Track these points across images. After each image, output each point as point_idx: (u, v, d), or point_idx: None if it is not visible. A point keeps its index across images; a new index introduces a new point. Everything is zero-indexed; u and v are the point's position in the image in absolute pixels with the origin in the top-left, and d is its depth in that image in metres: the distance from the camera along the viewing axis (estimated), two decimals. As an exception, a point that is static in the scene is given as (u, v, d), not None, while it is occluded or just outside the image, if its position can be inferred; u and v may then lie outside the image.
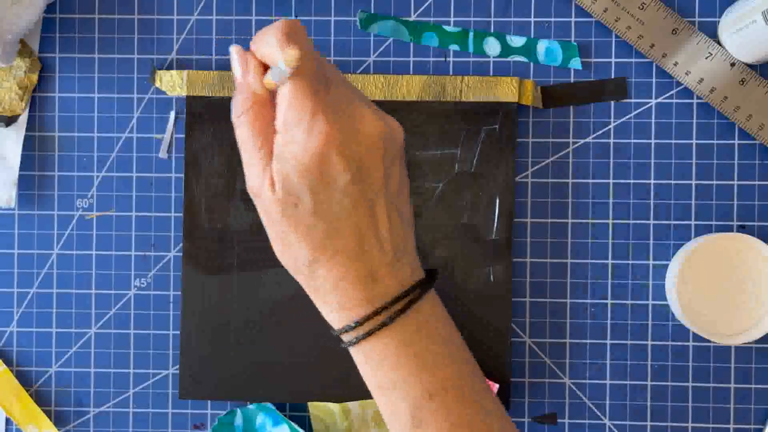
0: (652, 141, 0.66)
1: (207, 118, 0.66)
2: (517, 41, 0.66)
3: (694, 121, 0.66)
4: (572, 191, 0.66)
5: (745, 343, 0.65)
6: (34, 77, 0.66)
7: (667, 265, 0.66)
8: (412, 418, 0.48)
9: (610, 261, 0.66)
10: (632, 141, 0.66)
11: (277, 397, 0.66)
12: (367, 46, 0.67)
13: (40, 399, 0.68)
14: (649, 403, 0.66)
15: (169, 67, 0.67)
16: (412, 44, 0.67)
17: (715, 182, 0.66)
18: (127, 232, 0.68)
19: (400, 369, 0.48)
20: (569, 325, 0.67)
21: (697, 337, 0.66)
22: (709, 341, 0.66)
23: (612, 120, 0.66)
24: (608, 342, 0.67)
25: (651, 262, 0.66)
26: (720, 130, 0.66)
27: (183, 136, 0.67)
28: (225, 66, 0.67)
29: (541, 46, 0.66)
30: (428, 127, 0.66)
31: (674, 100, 0.66)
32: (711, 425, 0.66)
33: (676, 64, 0.65)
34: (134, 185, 0.68)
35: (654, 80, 0.66)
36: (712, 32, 0.66)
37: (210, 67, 0.67)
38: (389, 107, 0.66)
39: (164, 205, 0.67)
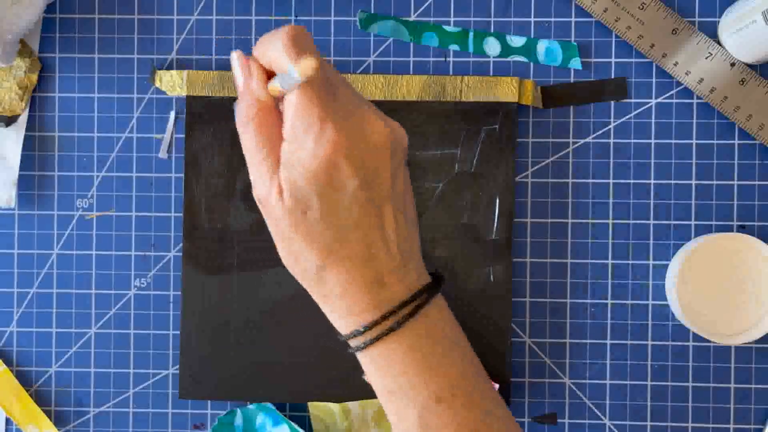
0: (652, 141, 0.66)
1: (207, 118, 0.66)
2: (517, 41, 0.66)
3: (694, 121, 0.66)
4: (572, 191, 0.66)
5: (745, 343, 0.65)
6: (34, 77, 0.66)
7: (667, 265, 0.66)
8: (419, 422, 0.48)
9: (610, 261, 0.66)
10: (632, 141, 0.66)
11: (277, 397, 0.66)
12: (367, 46, 0.67)
13: (40, 399, 0.68)
14: (649, 403, 0.66)
15: (169, 67, 0.67)
16: (412, 44, 0.67)
17: (715, 182, 0.66)
18: (127, 232, 0.68)
19: (408, 373, 0.48)
20: (569, 325, 0.67)
21: (697, 337, 0.66)
22: (709, 341, 0.66)
23: (612, 120, 0.66)
24: (608, 342, 0.67)
25: (651, 262, 0.66)
26: (720, 130, 0.66)
27: (183, 136, 0.67)
28: (225, 66, 0.67)
29: (541, 46, 0.66)
30: (428, 127, 0.66)
31: (674, 100, 0.66)
32: (711, 425, 0.66)
33: (676, 64, 0.65)
34: (134, 185, 0.67)
35: (654, 80, 0.66)
36: (712, 32, 0.66)
37: (210, 67, 0.67)
38: (389, 107, 0.66)
39: (164, 205, 0.67)
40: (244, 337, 0.66)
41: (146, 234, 0.67)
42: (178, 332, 0.67)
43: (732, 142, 0.66)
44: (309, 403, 0.66)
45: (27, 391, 0.68)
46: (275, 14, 0.67)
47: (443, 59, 0.67)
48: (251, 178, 0.47)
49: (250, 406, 0.66)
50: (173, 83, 0.66)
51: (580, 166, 0.66)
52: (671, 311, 0.66)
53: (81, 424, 0.68)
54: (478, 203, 0.66)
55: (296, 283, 0.66)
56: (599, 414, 0.67)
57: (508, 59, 0.66)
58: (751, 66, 0.65)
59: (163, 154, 0.67)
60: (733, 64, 0.65)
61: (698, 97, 0.66)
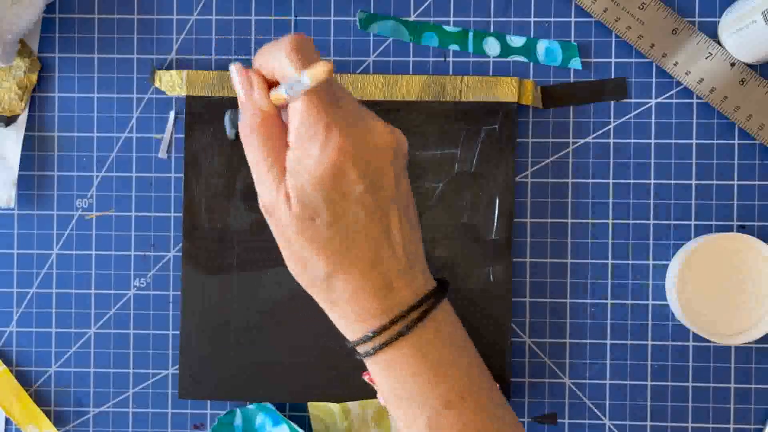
0: (652, 141, 0.66)
1: (207, 118, 0.66)
2: (516, 41, 0.66)
3: (694, 121, 0.66)
4: (572, 191, 0.66)
5: (745, 343, 0.65)
6: (34, 77, 0.66)
7: (667, 265, 0.66)
8: (429, 426, 0.48)
9: (610, 261, 0.66)
10: (632, 141, 0.66)
11: (277, 397, 0.66)
12: (366, 46, 0.67)
13: (40, 399, 0.68)
14: (649, 403, 0.66)
15: (169, 67, 0.67)
16: (411, 44, 0.67)
17: (715, 182, 0.66)
18: (127, 232, 0.67)
19: (418, 378, 0.48)
20: (569, 325, 0.67)
21: (697, 337, 0.66)
22: (709, 341, 0.66)
23: (612, 120, 0.66)
24: (608, 342, 0.67)
25: (651, 262, 0.66)
26: (720, 130, 0.66)
27: (183, 136, 0.67)
28: (225, 66, 0.67)
29: (541, 46, 0.66)
30: (428, 127, 0.65)
31: (674, 100, 0.66)
32: (711, 425, 0.66)
33: (676, 64, 0.65)
34: (134, 185, 0.67)
35: (654, 80, 0.66)
36: (712, 32, 0.66)
37: (210, 67, 0.67)
38: (389, 107, 0.66)
39: (164, 205, 0.67)
40: (244, 337, 0.66)
41: (146, 234, 0.67)
42: (178, 332, 0.67)
43: (732, 142, 0.66)
44: (309, 403, 0.66)
45: (27, 391, 0.68)
46: (275, 14, 0.67)
47: (443, 59, 0.67)
48: (257, 188, 0.47)
49: (250, 406, 0.66)
50: (173, 83, 0.66)
51: (580, 166, 0.66)
52: (671, 311, 0.66)
53: (81, 424, 0.68)
54: (478, 203, 0.66)
55: (296, 284, 0.66)
56: (599, 414, 0.67)
57: (508, 59, 0.66)
58: (751, 66, 0.65)
59: (162, 154, 0.67)
60: (733, 64, 0.65)
61: (698, 97, 0.66)
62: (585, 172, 0.66)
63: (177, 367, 0.67)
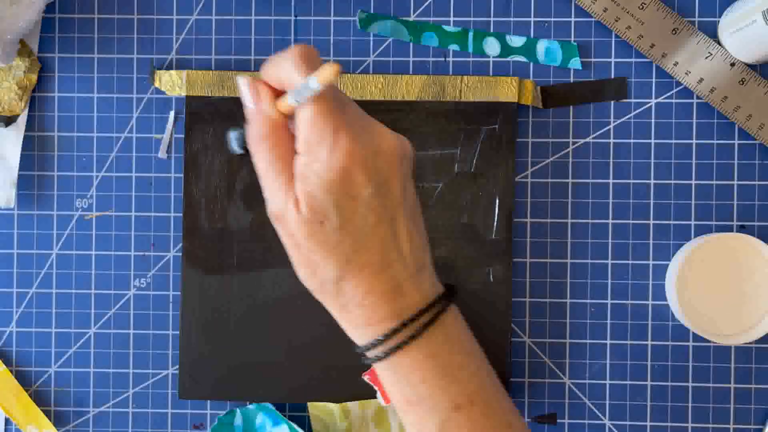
0: (652, 141, 0.66)
1: (206, 118, 0.66)
2: (516, 41, 0.66)
3: (694, 121, 0.66)
4: (572, 191, 0.66)
5: (745, 343, 0.65)
6: (34, 77, 0.66)
7: (667, 265, 0.66)
8: (439, 431, 0.48)
9: (610, 261, 0.66)
10: (632, 141, 0.66)
11: (277, 397, 0.66)
12: (366, 46, 0.67)
13: (40, 399, 0.68)
14: (649, 403, 0.66)
15: (169, 67, 0.67)
16: (411, 44, 0.67)
17: (715, 182, 0.66)
18: (127, 232, 0.67)
19: (428, 382, 0.48)
20: (569, 325, 0.67)
21: (697, 337, 0.66)
22: (709, 341, 0.66)
23: (612, 120, 0.66)
24: (608, 342, 0.66)
25: (651, 262, 0.66)
26: (720, 130, 0.66)
27: (182, 136, 0.67)
28: (224, 66, 0.67)
29: (541, 46, 0.66)
30: (428, 127, 0.65)
31: (674, 100, 0.66)
32: (711, 425, 0.66)
33: (676, 64, 0.65)
34: (133, 185, 0.67)
35: (654, 80, 0.66)
36: (712, 32, 0.66)
37: (209, 67, 0.67)
38: (389, 107, 0.66)
39: (163, 205, 0.67)
40: (244, 337, 0.66)
41: (146, 234, 0.67)
42: (178, 332, 0.67)
43: (732, 142, 0.66)
44: (308, 403, 0.66)
45: (27, 391, 0.68)
46: (275, 14, 0.67)
47: (443, 59, 0.67)
48: (267, 196, 0.48)
49: (250, 406, 0.66)
50: (173, 83, 0.66)
51: (580, 166, 0.66)
52: (671, 311, 0.66)
53: (81, 424, 0.68)
54: (478, 203, 0.66)
55: (295, 283, 0.66)
56: (599, 414, 0.67)
57: (508, 59, 0.66)
58: (751, 66, 0.65)
59: (162, 154, 0.67)
60: (733, 64, 0.65)
61: (698, 97, 0.66)
62: (585, 172, 0.66)
63: (177, 367, 0.67)
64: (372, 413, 0.66)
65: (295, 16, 0.67)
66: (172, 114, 0.67)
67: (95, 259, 0.68)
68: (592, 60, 0.66)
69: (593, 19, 0.66)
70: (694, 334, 0.66)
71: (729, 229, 0.66)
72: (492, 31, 0.66)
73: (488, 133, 0.65)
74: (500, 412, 0.49)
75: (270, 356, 0.66)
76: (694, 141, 0.66)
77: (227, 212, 0.66)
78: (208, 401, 0.67)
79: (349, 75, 0.66)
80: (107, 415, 0.68)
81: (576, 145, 0.66)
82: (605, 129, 0.66)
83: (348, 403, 0.66)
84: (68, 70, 0.67)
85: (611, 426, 0.67)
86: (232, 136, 0.52)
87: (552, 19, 0.66)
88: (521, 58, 0.66)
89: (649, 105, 0.66)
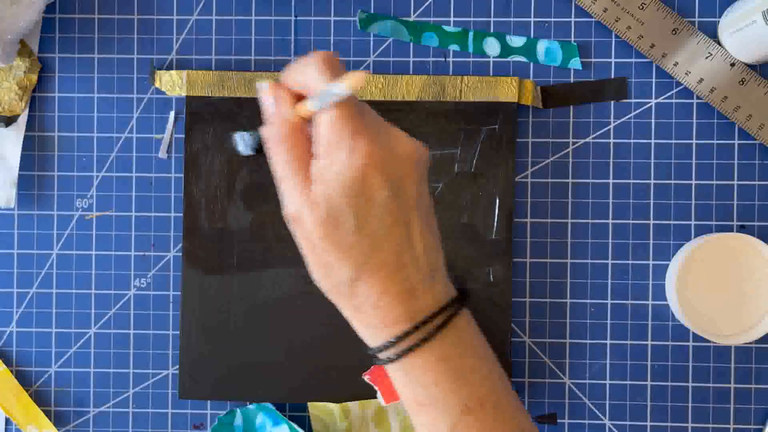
0: (652, 141, 0.66)
1: (207, 118, 0.66)
2: (516, 41, 0.66)
3: (694, 121, 0.66)
4: (572, 191, 0.66)
5: (745, 343, 0.65)
6: (34, 77, 0.66)
7: (667, 265, 0.66)
8: None
9: (610, 261, 0.66)
10: (632, 141, 0.66)
11: (277, 397, 0.66)
12: (366, 46, 0.67)
13: (40, 399, 0.68)
14: (649, 403, 0.66)
15: (169, 67, 0.67)
16: (411, 44, 0.67)
17: (715, 182, 0.66)
18: (127, 232, 0.67)
19: (440, 384, 0.48)
20: (569, 325, 0.67)
21: (697, 337, 0.66)
22: (709, 341, 0.66)
23: (612, 120, 0.66)
24: (608, 342, 0.67)
25: (651, 262, 0.66)
26: (720, 130, 0.66)
27: (183, 136, 0.67)
28: (225, 66, 0.67)
29: (541, 46, 0.66)
30: (428, 127, 0.65)
31: (674, 100, 0.66)
32: (711, 425, 0.66)
33: (676, 64, 0.65)
34: (134, 185, 0.67)
35: (654, 80, 0.66)
36: (712, 32, 0.66)
37: (210, 67, 0.67)
38: (389, 107, 0.66)
39: (164, 205, 0.67)
40: (244, 337, 0.66)
41: (146, 234, 0.67)
42: (178, 332, 0.67)
43: (732, 142, 0.66)
44: (309, 403, 0.66)
45: (27, 391, 0.68)
46: (275, 14, 0.67)
47: (443, 59, 0.67)
48: (283, 198, 0.48)
49: (250, 406, 0.66)
50: (173, 83, 0.66)
51: (580, 166, 0.66)
52: (671, 311, 0.66)
53: (81, 424, 0.68)
54: (478, 203, 0.66)
55: (295, 283, 0.66)
56: (599, 414, 0.67)
57: (508, 59, 0.66)
58: (751, 66, 0.65)
59: (162, 154, 0.67)
60: (733, 64, 0.65)
61: (698, 97, 0.66)
62: (585, 172, 0.66)
63: (177, 367, 0.67)
64: (372, 413, 0.66)
65: (295, 16, 0.67)
66: (172, 114, 0.67)
67: (95, 259, 0.68)
68: (592, 60, 0.66)
69: (593, 19, 0.66)
70: (694, 334, 0.66)
71: (729, 229, 0.66)
72: (492, 31, 0.67)
73: (488, 133, 0.65)
74: (510, 415, 0.49)
75: (270, 356, 0.66)
76: (694, 141, 0.66)
77: (227, 212, 0.66)
78: (208, 401, 0.67)
79: (349, 75, 0.66)
80: (107, 415, 0.68)
81: (576, 145, 0.66)
82: (605, 129, 0.66)
83: (348, 403, 0.66)
84: (68, 70, 0.67)
85: (611, 426, 0.67)
86: (238, 137, 0.52)
87: (552, 19, 0.66)
88: (521, 58, 0.66)
89: (649, 105, 0.66)
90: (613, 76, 0.66)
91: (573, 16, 0.66)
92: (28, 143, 0.67)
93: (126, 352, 0.68)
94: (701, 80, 0.65)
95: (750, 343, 0.66)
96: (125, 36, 0.67)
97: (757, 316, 0.63)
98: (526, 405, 0.67)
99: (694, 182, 0.66)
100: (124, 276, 0.68)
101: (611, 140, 0.66)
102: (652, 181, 0.66)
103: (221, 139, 0.66)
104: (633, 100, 0.66)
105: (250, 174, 0.66)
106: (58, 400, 0.68)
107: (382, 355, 0.49)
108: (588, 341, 0.67)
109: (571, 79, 0.66)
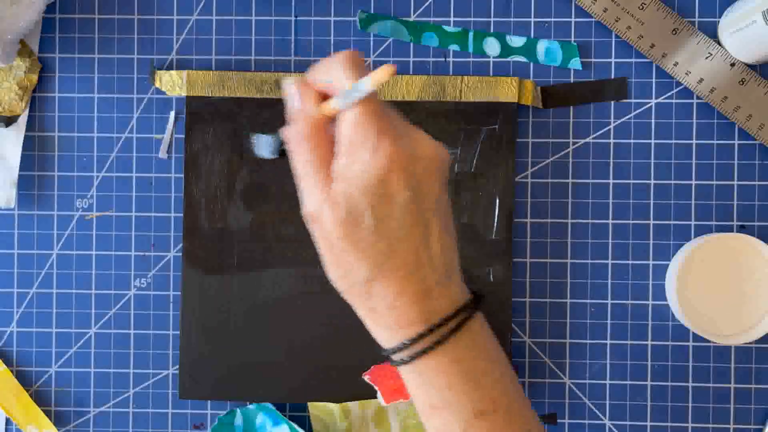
0: (652, 141, 0.66)
1: (207, 118, 0.66)
2: (517, 41, 0.66)
3: (694, 121, 0.66)
4: (572, 191, 0.66)
5: (745, 343, 0.65)
6: (34, 77, 0.66)
7: (667, 265, 0.66)
8: None
9: (610, 261, 0.66)
10: (632, 141, 0.66)
11: (277, 397, 0.66)
12: (367, 46, 0.67)
13: (40, 399, 0.68)
14: (649, 403, 0.66)
15: (169, 67, 0.67)
16: (411, 44, 0.67)
17: (715, 182, 0.66)
18: (127, 233, 0.68)
19: (453, 387, 0.48)
20: (569, 325, 0.67)
21: (697, 337, 0.66)
22: (709, 341, 0.66)
23: (612, 120, 0.66)
24: (608, 342, 0.67)
25: (651, 262, 0.66)
26: (720, 130, 0.66)
27: (183, 136, 0.67)
28: (225, 66, 0.67)
29: (541, 46, 0.66)
30: (428, 127, 0.65)
31: (674, 100, 0.66)
32: (711, 425, 0.66)
33: (676, 64, 0.65)
34: (134, 185, 0.67)
35: (654, 80, 0.66)
36: (712, 32, 0.66)
37: (210, 67, 0.67)
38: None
39: (164, 205, 0.67)
40: (244, 337, 0.66)
41: (146, 234, 0.67)
42: (178, 332, 0.67)
43: (732, 142, 0.66)
44: (309, 403, 0.66)
45: (27, 391, 0.68)
46: (275, 14, 0.67)
47: (443, 59, 0.67)
48: (303, 196, 0.48)
49: (250, 406, 0.66)
50: (173, 83, 0.66)
51: (580, 166, 0.66)
52: (671, 311, 0.66)
53: (81, 424, 0.68)
54: (478, 203, 0.66)
55: (295, 283, 0.66)
56: (599, 414, 0.67)
57: (508, 59, 0.66)
58: (751, 66, 0.65)
59: (162, 154, 0.67)
60: (733, 64, 0.65)
61: (698, 97, 0.66)
62: (585, 172, 0.66)
63: (177, 367, 0.67)
64: (372, 413, 0.66)
65: (295, 16, 0.67)
66: (172, 114, 0.67)
67: (95, 259, 0.68)
68: (592, 60, 0.66)
69: (593, 19, 0.66)
70: (694, 334, 0.66)
71: (729, 229, 0.66)
72: (492, 31, 0.67)
73: (488, 133, 0.65)
74: (522, 419, 0.49)
75: (270, 356, 0.66)
76: (694, 141, 0.66)
77: (227, 212, 0.66)
78: (209, 401, 0.67)
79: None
80: (107, 415, 0.68)
81: (576, 145, 0.66)
82: (605, 129, 0.66)
83: (348, 403, 0.66)
84: (69, 71, 0.67)
85: (611, 426, 0.67)
86: (264, 140, 0.52)
87: (552, 20, 0.66)
88: (521, 59, 0.66)
89: (649, 105, 0.66)
90: (613, 76, 0.66)
91: (573, 16, 0.66)
92: (28, 143, 0.67)
93: (126, 352, 0.68)
94: (701, 80, 0.65)
95: (750, 343, 0.66)
96: (125, 36, 0.67)
97: (757, 316, 0.63)
98: (526, 405, 0.67)
99: (694, 182, 0.66)
100: (124, 276, 0.68)
101: (611, 140, 0.66)
102: (652, 181, 0.66)
103: (221, 139, 0.66)
104: (633, 100, 0.66)
105: (250, 174, 0.66)
106: (58, 400, 0.68)
107: (395, 357, 0.49)
108: (588, 341, 0.67)
109: (571, 79, 0.66)
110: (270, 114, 0.66)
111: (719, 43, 0.65)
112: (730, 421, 0.66)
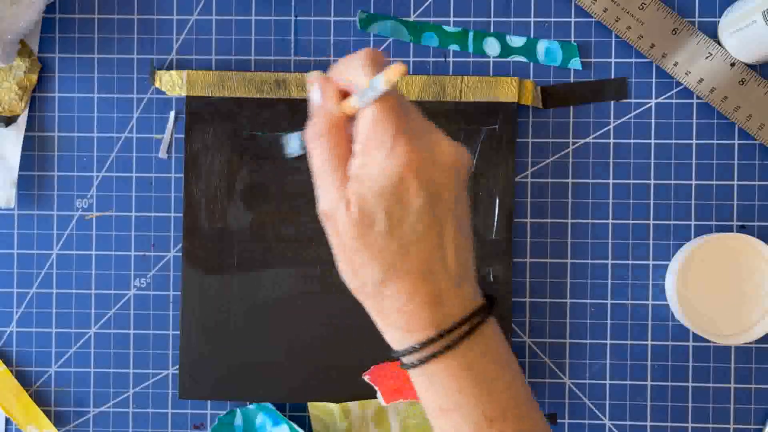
0: (652, 141, 0.66)
1: (207, 118, 0.66)
2: (517, 41, 0.66)
3: (694, 121, 0.66)
4: (572, 191, 0.66)
5: (745, 343, 0.65)
6: (34, 77, 0.66)
7: (667, 265, 0.66)
8: None
9: (610, 261, 0.66)
10: (632, 141, 0.66)
11: (277, 397, 0.66)
12: (366, 46, 0.67)
13: (40, 399, 0.68)
14: (649, 403, 0.67)
15: (169, 67, 0.67)
16: (412, 44, 0.67)
17: (715, 182, 0.66)
18: (127, 232, 0.67)
19: (463, 392, 0.48)
20: (569, 325, 0.67)
21: (697, 337, 0.66)
22: (709, 341, 0.66)
23: (612, 120, 0.66)
24: (608, 342, 0.67)
25: (651, 262, 0.66)
26: (720, 130, 0.66)
27: (183, 136, 0.67)
28: (225, 66, 0.67)
29: (541, 46, 0.66)
30: (428, 127, 0.65)
31: (674, 100, 0.66)
32: (711, 425, 0.66)
33: (676, 64, 0.65)
34: (134, 185, 0.67)
35: (654, 80, 0.66)
36: (712, 32, 0.66)
37: (210, 67, 0.67)
38: (389, 107, 0.65)
39: (164, 205, 0.67)
40: (244, 337, 0.66)
41: (146, 234, 0.67)
42: (178, 332, 0.67)
43: (732, 142, 0.66)
44: (309, 403, 0.66)
45: (27, 391, 0.68)
46: (275, 14, 0.67)
47: (443, 59, 0.67)
48: (318, 194, 0.48)
49: (250, 406, 0.66)
50: (173, 83, 0.66)
51: (580, 166, 0.66)
52: (671, 311, 0.66)
53: (81, 424, 0.68)
54: (478, 203, 0.66)
55: (295, 283, 0.66)
56: (599, 414, 0.67)
57: (508, 59, 0.66)
58: (751, 66, 0.65)
59: (162, 154, 0.67)
60: (733, 64, 0.65)
61: (698, 97, 0.66)
62: (585, 172, 0.66)
63: (177, 367, 0.67)
64: (372, 413, 0.66)
65: (295, 16, 0.67)
66: (172, 114, 0.67)
67: (95, 259, 0.68)
68: (592, 60, 0.66)
69: (593, 19, 0.66)
70: (694, 334, 0.66)
71: (729, 229, 0.66)
72: (492, 31, 0.67)
73: (488, 133, 0.65)
74: (531, 425, 0.49)
75: (270, 356, 0.66)
76: (694, 141, 0.66)
77: (227, 212, 0.66)
78: (208, 401, 0.67)
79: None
80: (107, 415, 0.68)
81: (576, 145, 0.66)
82: (605, 129, 0.66)
83: (348, 403, 0.66)
84: (68, 71, 0.67)
85: (611, 426, 0.67)
86: (294, 137, 0.52)
87: (552, 19, 0.66)
88: (521, 58, 0.66)
89: (649, 105, 0.66)
90: (613, 76, 0.66)
91: (573, 16, 0.66)
92: (28, 143, 0.67)
93: (126, 352, 0.68)
94: (701, 80, 0.65)
95: (750, 343, 0.66)
96: (125, 36, 0.67)
97: (757, 316, 0.63)
98: (526, 405, 0.67)
99: (694, 182, 0.66)
100: (124, 276, 0.68)
101: (611, 140, 0.66)
102: (652, 181, 0.66)
103: (221, 139, 0.66)
104: (633, 100, 0.66)
105: (250, 174, 0.66)
106: (58, 400, 0.68)
107: (405, 360, 0.49)
108: (588, 341, 0.67)
109: (571, 79, 0.66)
110: (270, 114, 0.66)
111: (719, 43, 0.65)
112: (730, 421, 0.66)
